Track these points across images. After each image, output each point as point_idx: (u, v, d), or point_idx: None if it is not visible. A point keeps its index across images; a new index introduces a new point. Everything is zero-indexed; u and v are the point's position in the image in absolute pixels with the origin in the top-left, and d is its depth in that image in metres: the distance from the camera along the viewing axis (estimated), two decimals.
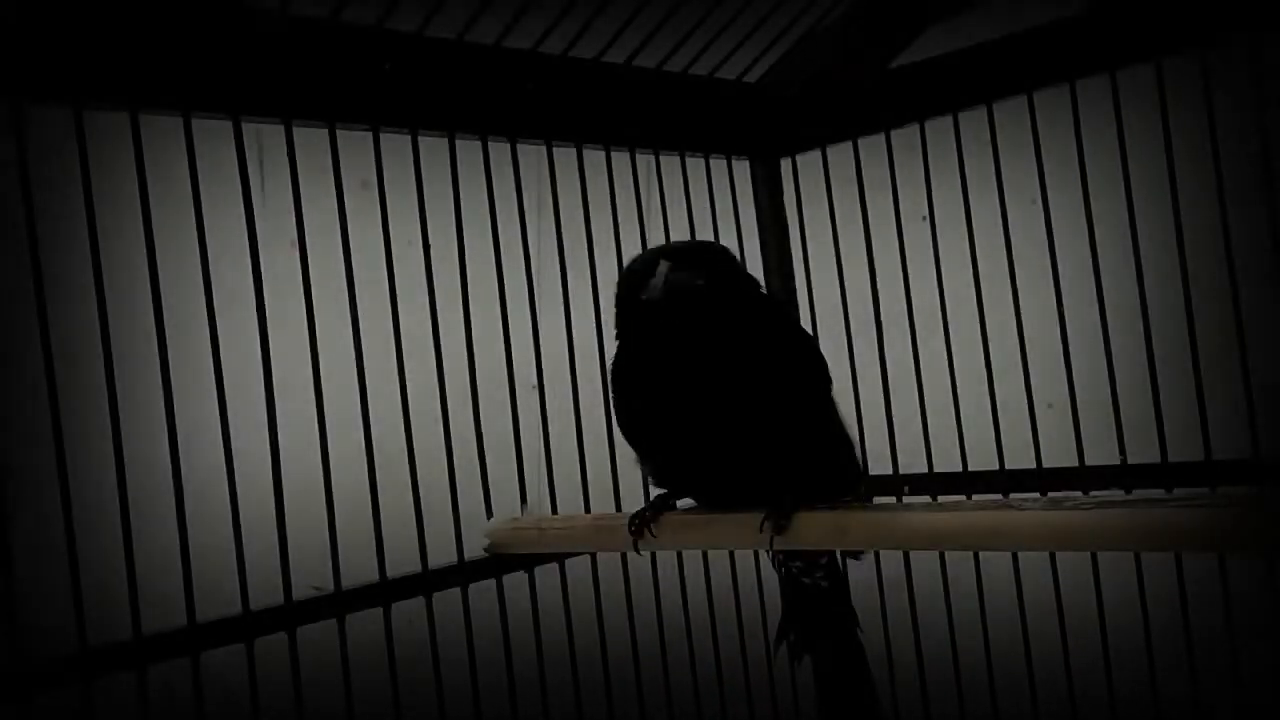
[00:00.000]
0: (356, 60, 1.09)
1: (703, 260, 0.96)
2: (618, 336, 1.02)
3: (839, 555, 1.13)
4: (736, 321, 0.94)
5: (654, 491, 1.04)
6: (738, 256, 1.03)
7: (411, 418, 1.11)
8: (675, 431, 0.94)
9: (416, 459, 1.11)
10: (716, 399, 0.92)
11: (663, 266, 0.93)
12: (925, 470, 1.40)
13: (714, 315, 0.93)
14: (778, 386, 0.93)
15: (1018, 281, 1.30)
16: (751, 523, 0.93)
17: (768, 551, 1.00)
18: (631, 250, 1.32)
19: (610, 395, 1.03)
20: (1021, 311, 1.30)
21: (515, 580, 1.17)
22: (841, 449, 1.02)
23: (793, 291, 1.52)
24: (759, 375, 0.92)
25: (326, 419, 1.05)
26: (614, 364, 1.02)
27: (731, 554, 1.36)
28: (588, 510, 1.23)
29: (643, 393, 0.96)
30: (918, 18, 1.40)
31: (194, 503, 0.97)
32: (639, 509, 1.03)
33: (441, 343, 1.14)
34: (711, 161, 1.44)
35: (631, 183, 1.33)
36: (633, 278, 0.97)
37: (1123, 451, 1.24)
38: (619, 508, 1.26)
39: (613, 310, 1.03)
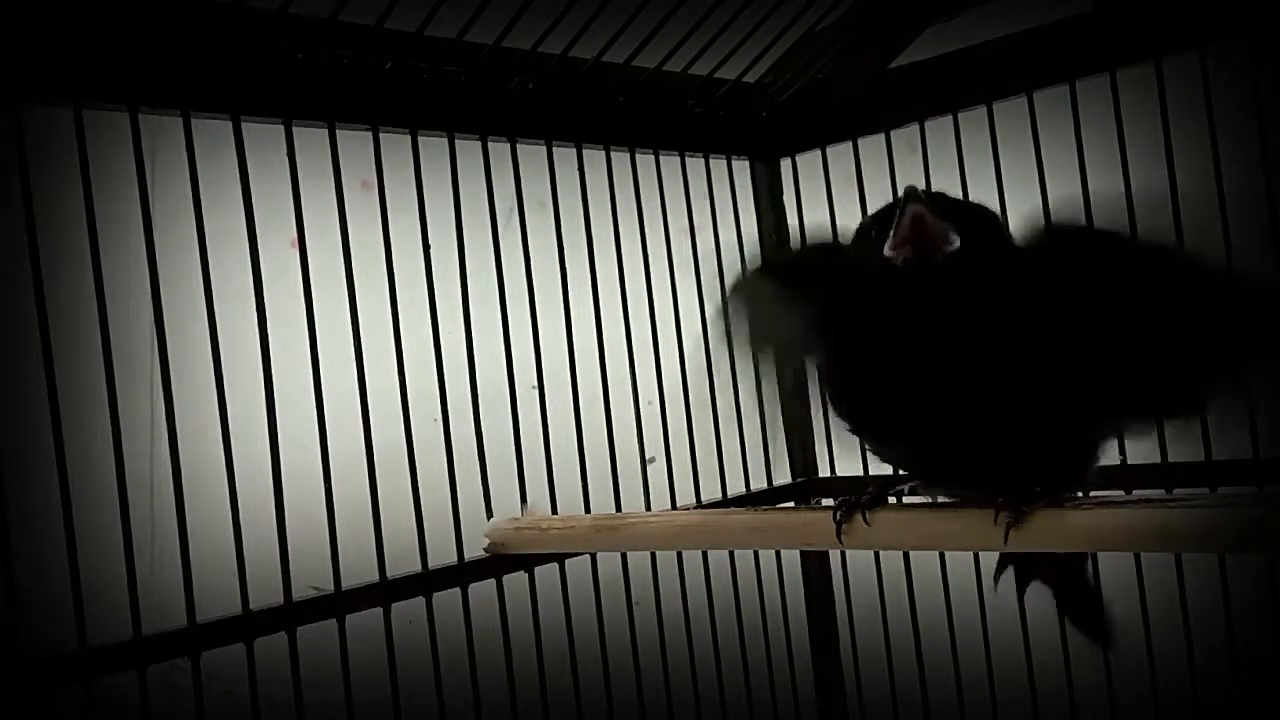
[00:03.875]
0: (356, 60, 1.09)
1: (957, 210, 0.83)
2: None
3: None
4: (994, 288, 0.81)
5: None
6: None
7: (411, 418, 1.11)
8: (912, 410, 0.83)
9: (416, 459, 1.11)
10: (966, 381, 0.80)
11: (910, 210, 0.79)
12: None
13: (969, 282, 0.80)
14: (1040, 361, 0.81)
15: None
16: (980, 519, 0.83)
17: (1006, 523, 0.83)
18: (632, 250, 1.32)
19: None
20: None
21: (515, 580, 1.17)
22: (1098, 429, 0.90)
23: None
24: (1021, 349, 0.80)
25: (326, 419, 1.05)
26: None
27: (731, 553, 1.36)
28: (588, 510, 1.23)
29: (874, 367, 0.84)
30: (918, 18, 1.40)
31: (194, 502, 0.97)
32: (848, 497, 0.92)
33: (441, 343, 1.14)
34: (711, 161, 1.44)
35: (632, 183, 1.33)
36: (875, 225, 0.84)
37: (1123, 451, 1.24)
38: (619, 508, 1.26)
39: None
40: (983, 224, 0.85)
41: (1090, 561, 1.06)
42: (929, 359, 0.81)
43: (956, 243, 0.80)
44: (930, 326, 0.81)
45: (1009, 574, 1.10)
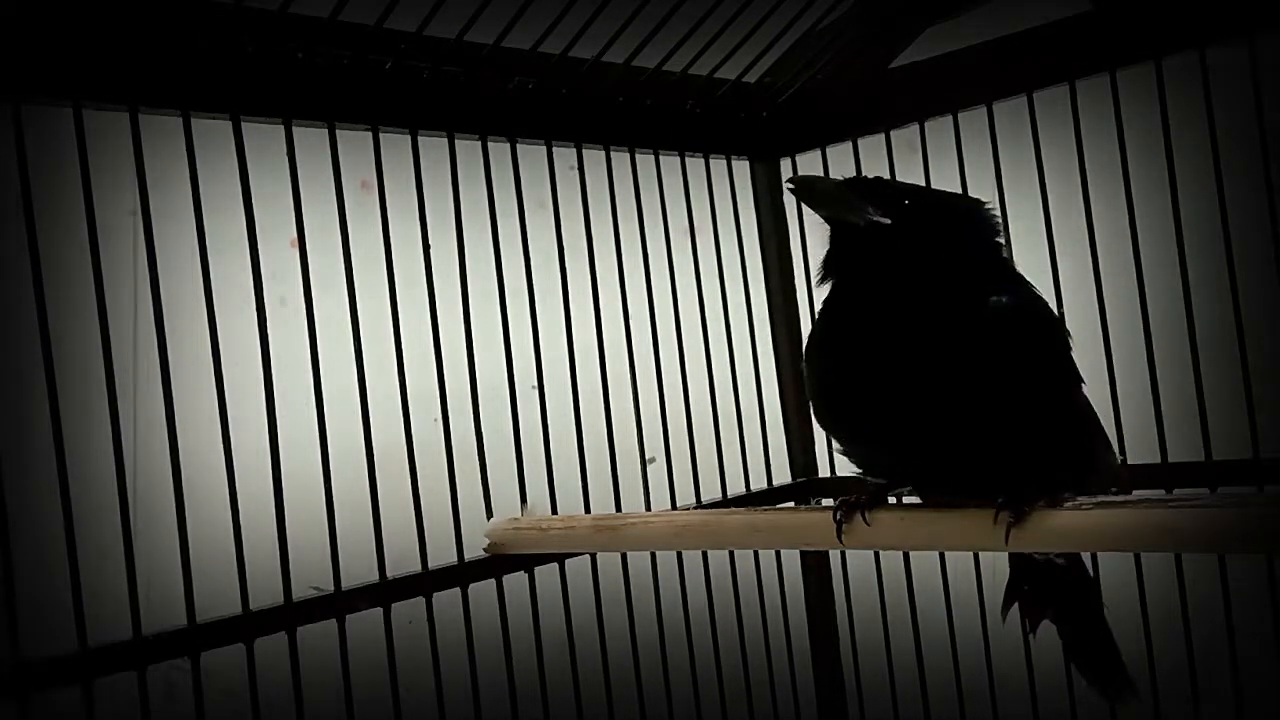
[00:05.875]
0: (356, 60, 1.09)
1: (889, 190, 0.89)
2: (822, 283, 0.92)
3: None
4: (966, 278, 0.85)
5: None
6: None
7: (411, 418, 1.11)
8: (888, 411, 0.83)
9: (416, 459, 1.11)
10: (937, 371, 0.81)
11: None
12: None
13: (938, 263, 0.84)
14: (1018, 357, 0.83)
15: None
16: (980, 519, 0.83)
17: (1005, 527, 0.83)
18: (631, 250, 1.32)
19: (804, 366, 0.92)
20: None
21: (515, 580, 1.17)
22: (1084, 431, 0.91)
23: (792, 292, 1.53)
24: (1000, 344, 0.82)
25: (326, 419, 1.05)
26: (814, 325, 0.92)
27: (731, 553, 1.36)
28: (588, 510, 1.23)
29: (848, 360, 0.86)
30: (918, 18, 1.40)
31: (194, 503, 0.97)
32: (848, 497, 0.92)
33: (441, 343, 1.14)
34: (711, 161, 1.44)
35: (632, 183, 1.33)
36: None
37: (1123, 452, 1.24)
38: (619, 508, 1.26)
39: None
40: (931, 206, 0.89)
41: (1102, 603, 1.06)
42: (891, 346, 0.83)
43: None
44: (897, 300, 0.84)
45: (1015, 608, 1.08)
